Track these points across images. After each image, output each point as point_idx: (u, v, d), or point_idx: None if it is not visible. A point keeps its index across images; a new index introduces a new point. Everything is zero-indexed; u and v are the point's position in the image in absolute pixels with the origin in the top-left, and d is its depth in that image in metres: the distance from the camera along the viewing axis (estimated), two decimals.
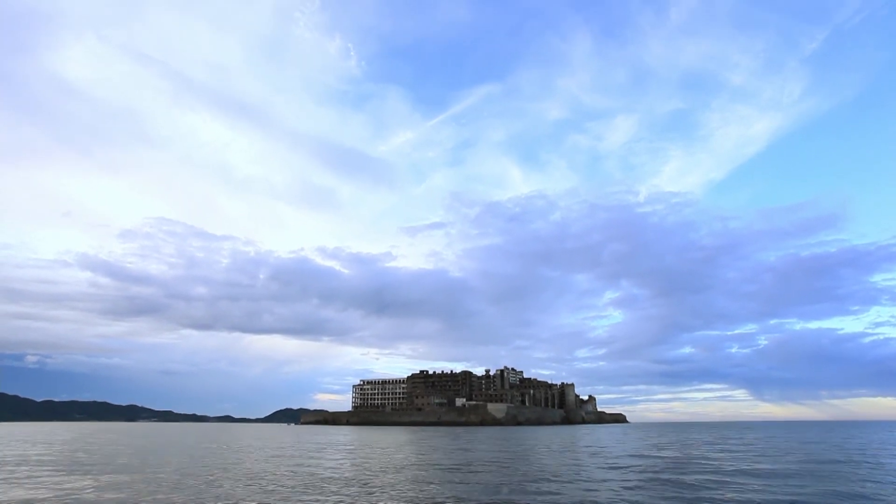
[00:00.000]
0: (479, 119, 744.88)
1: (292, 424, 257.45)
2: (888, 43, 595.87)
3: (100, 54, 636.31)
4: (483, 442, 64.93)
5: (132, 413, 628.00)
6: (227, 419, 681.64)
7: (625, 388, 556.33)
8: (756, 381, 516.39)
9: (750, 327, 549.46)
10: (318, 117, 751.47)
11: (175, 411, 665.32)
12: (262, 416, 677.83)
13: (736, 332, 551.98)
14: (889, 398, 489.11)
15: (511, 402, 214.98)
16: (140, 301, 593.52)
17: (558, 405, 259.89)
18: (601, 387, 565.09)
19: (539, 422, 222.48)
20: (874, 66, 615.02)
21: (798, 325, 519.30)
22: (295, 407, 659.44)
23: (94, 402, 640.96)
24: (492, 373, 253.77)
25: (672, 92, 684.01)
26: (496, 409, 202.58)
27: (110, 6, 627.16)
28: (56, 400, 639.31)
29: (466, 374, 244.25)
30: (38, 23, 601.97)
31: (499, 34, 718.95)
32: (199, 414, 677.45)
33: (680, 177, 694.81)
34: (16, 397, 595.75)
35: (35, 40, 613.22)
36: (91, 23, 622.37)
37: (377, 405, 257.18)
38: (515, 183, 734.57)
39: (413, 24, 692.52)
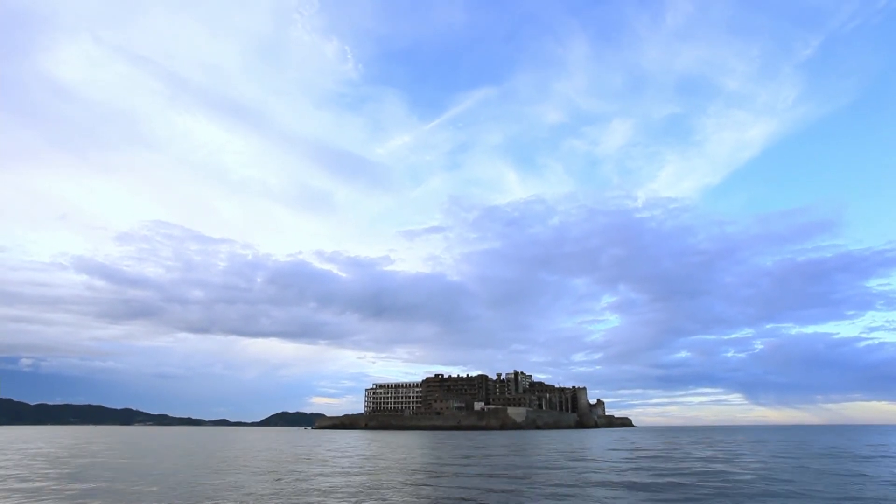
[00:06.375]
0: (476, 123, 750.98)
1: (308, 428, 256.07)
2: (883, 49, 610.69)
3: (95, 56, 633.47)
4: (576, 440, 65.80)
5: (127, 416, 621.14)
6: (223, 423, 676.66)
7: (621, 392, 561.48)
8: (751, 385, 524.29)
9: (746, 332, 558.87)
10: (314, 120, 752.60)
11: (170, 415, 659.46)
12: (258, 420, 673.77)
13: (732, 336, 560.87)
14: (883, 402, 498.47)
15: (529, 406, 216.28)
16: (136, 304, 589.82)
17: (571, 409, 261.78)
18: (597, 390, 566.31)
19: (556, 425, 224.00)
20: (869, 72, 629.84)
21: (794, 330, 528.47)
22: (291, 411, 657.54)
23: (89, 406, 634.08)
24: (503, 377, 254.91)
25: (668, 96, 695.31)
26: (516, 413, 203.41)
27: (106, 7, 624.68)
28: (50, 403, 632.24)
29: (482, 378, 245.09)
30: (33, 24, 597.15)
31: (495, 38, 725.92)
32: (194, 418, 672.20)
33: (676, 181, 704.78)
34: (9, 401, 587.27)
35: (30, 42, 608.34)
36: (87, 24, 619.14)
37: (391, 409, 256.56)
38: (512, 187, 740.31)
39: (410, 27, 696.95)
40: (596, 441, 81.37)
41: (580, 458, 43.77)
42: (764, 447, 60.32)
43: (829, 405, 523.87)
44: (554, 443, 74.54)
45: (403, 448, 60.04)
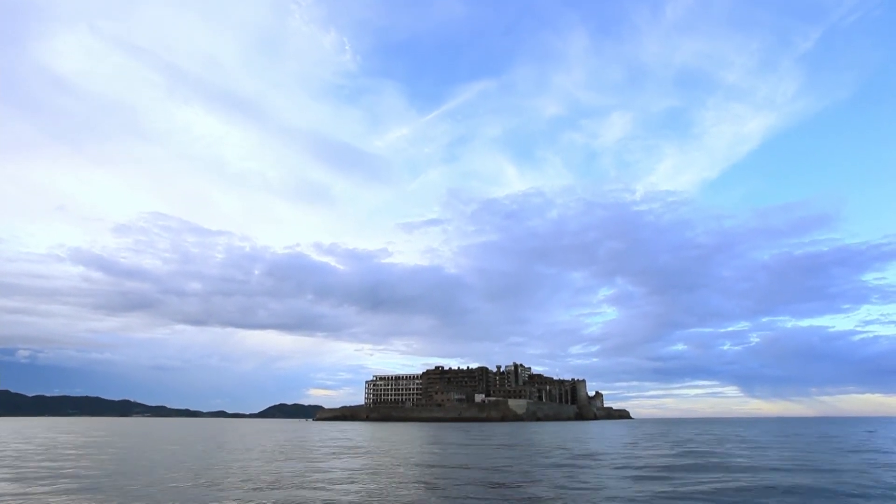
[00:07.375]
0: (475, 115, 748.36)
1: (309, 420, 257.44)
2: (882, 43, 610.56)
3: (92, 47, 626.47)
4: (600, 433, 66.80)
5: (125, 408, 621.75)
6: (221, 414, 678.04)
7: (617, 384, 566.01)
8: (747, 377, 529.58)
9: (742, 325, 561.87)
10: (312, 112, 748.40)
11: (168, 406, 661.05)
12: (256, 412, 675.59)
13: (729, 329, 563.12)
14: (877, 395, 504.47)
15: (529, 398, 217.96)
16: (133, 296, 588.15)
17: (570, 401, 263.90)
18: (594, 383, 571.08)
19: (556, 417, 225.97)
20: (868, 66, 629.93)
21: (790, 323, 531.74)
22: (289, 402, 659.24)
23: (87, 398, 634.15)
24: (503, 369, 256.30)
25: (667, 90, 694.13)
26: (517, 404, 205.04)
27: None
28: (48, 395, 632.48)
29: (483, 370, 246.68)
30: (28, 14, 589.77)
31: (494, 30, 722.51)
32: (192, 409, 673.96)
33: (674, 175, 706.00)
34: (6, 392, 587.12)
35: (26, 32, 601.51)
36: (83, 15, 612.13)
37: (391, 401, 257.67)
38: (511, 180, 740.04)
39: (409, 19, 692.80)
40: (624, 432, 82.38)
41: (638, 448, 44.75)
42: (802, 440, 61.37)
43: (824, 398, 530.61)
44: (581, 434, 75.53)
45: (432, 439, 60.90)
